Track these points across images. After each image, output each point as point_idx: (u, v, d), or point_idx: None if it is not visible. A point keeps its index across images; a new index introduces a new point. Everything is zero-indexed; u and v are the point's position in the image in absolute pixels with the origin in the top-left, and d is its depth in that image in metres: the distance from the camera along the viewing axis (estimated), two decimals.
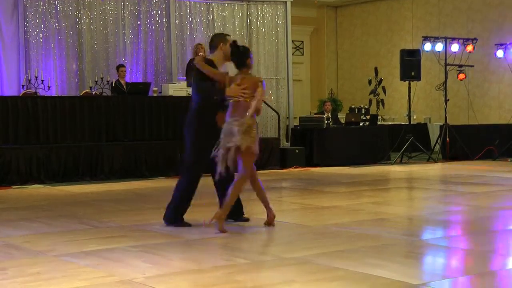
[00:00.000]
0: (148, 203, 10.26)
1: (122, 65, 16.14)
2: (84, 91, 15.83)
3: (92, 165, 13.64)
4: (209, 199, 8.50)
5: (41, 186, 12.73)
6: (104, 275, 5.59)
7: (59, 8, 16.51)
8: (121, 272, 5.68)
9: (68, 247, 6.68)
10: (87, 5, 16.78)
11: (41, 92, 15.07)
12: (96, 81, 15.68)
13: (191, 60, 16.08)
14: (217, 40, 7.87)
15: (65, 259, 6.16)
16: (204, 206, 8.64)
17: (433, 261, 6.28)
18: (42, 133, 13.55)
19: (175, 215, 7.81)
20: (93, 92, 15.46)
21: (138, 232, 7.52)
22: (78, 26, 16.70)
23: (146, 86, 15.44)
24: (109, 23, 16.98)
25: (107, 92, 15.61)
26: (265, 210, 7.89)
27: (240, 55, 7.64)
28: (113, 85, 15.63)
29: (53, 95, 15.36)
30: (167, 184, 12.76)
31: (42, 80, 15.22)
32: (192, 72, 7.90)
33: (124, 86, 15.60)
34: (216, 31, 17.89)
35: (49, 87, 15.35)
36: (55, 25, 16.48)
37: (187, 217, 7.85)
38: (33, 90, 15.08)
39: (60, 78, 16.55)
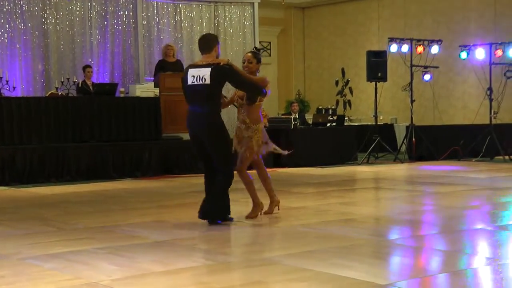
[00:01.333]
0: (115, 204, 10.20)
1: (88, 66, 16.05)
2: (50, 92, 15.71)
3: (58, 166, 13.53)
4: (182, 200, 8.49)
5: (6, 188, 12.60)
6: (70, 278, 5.55)
7: (25, 8, 16.37)
8: (87, 274, 5.64)
9: (33, 250, 6.62)
10: (53, 5, 16.65)
11: (6, 93, 14.91)
12: (62, 82, 15.56)
13: (160, 61, 16.01)
14: (214, 42, 8.06)
15: (30, 262, 6.10)
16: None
17: (400, 261, 6.30)
18: (7, 134, 13.42)
19: (226, 211, 8.03)
20: (59, 93, 15.35)
21: (104, 234, 7.47)
22: (44, 27, 16.56)
23: (112, 86, 15.37)
24: (75, 23, 16.86)
25: (73, 93, 15.51)
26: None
27: None
28: (80, 85, 15.55)
29: (18, 95, 15.22)
30: (134, 186, 12.72)
31: (7, 81, 15.06)
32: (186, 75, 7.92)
33: (91, 87, 15.52)
34: (184, 32, 17.87)
35: (14, 87, 15.20)
36: (21, 25, 16.33)
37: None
38: None
39: (26, 78, 16.40)
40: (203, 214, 7.93)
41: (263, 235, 7.61)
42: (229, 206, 8.04)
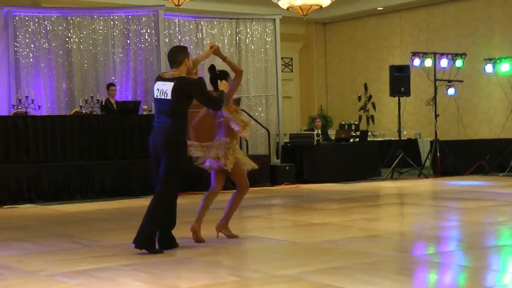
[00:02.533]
0: (139, 221, 10.13)
1: (112, 84, 16.16)
2: (74, 110, 15.83)
3: (83, 184, 13.61)
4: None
5: (32, 205, 12.69)
6: None
7: (49, 28, 16.53)
8: None
9: (60, 267, 6.66)
10: (77, 25, 16.79)
11: (32, 112, 15.06)
12: (86, 100, 15.69)
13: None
14: (182, 54, 7.65)
15: (56, 279, 6.13)
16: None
17: (426, 278, 6.27)
18: (32, 152, 13.52)
19: (152, 241, 7.44)
20: (83, 111, 15.46)
21: (129, 251, 7.48)
22: (68, 46, 16.70)
23: (136, 104, 15.45)
24: (98, 42, 16.98)
25: (97, 111, 15.61)
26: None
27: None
28: (103, 103, 15.64)
29: (43, 114, 15.35)
30: None
31: (32, 100, 15.21)
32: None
33: (114, 105, 15.62)
34: (206, 49, 17.88)
35: (39, 106, 15.35)
36: (45, 45, 16.49)
37: (176, 234, 7.81)
38: (23, 110, 15.07)
39: (50, 97, 16.54)
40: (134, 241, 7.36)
41: (287, 251, 7.60)
42: (155, 235, 7.47)
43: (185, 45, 17.42)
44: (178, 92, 7.43)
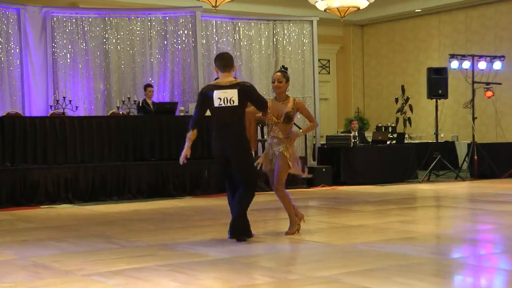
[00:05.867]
0: (175, 222, 10.27)
1: (149, 85, 16.22)
2: (111, 111, 15.94)
3: (120, 184, 13.70)
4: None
5: (69, 205, 12.80)
6: None
7: (86, 29, 16.68)
8: None
9: (97, 267, 6.70)
10: (114, 26, 16.92)
11: (69, 112, 15.18)
12: (123, 101, 15.78)
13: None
14: (233, 60, 8.20)
15: (94, 279, 6.17)
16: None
17: (463, 280, 6.22)
18: (69, 153, 13.62)
19: (249, 228, 8.20)
20: (120, 112, 15.55)
21: (166, 251, 7.53)
22: (105, 47, 16.84)
23: (173, 105, 15.51)
24: (136, 43, 17.10)
25: (134, 112, 15.70)
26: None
27: None
28: (140, 104, 15.72)
29: (80, 115, 15.47)
30: (195, 203, 12.80)
31: (70, 100, 15.33)
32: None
33: (151, 106, 15.68)
34: (243, 50, 17.95)
35: (76, 107, 15.47)
36: (83, 46, 16.64)
37: (213, 235, 7.84)
38: (61, 110, 15.20)
39: (88, 98, 16.68)
40: (232, 233, 8.05)
41: (323, 253, 7.58)
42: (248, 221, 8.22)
43: (225, 47, 17.68)
44: (243, 97, 7.90)
